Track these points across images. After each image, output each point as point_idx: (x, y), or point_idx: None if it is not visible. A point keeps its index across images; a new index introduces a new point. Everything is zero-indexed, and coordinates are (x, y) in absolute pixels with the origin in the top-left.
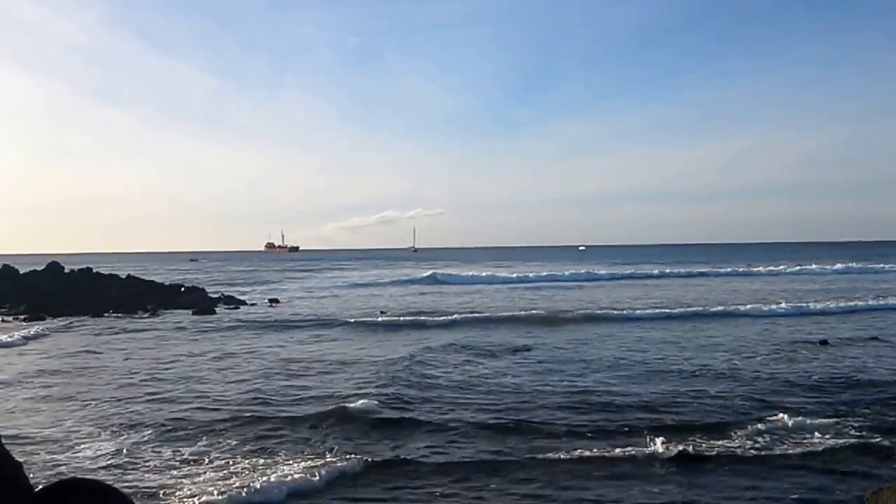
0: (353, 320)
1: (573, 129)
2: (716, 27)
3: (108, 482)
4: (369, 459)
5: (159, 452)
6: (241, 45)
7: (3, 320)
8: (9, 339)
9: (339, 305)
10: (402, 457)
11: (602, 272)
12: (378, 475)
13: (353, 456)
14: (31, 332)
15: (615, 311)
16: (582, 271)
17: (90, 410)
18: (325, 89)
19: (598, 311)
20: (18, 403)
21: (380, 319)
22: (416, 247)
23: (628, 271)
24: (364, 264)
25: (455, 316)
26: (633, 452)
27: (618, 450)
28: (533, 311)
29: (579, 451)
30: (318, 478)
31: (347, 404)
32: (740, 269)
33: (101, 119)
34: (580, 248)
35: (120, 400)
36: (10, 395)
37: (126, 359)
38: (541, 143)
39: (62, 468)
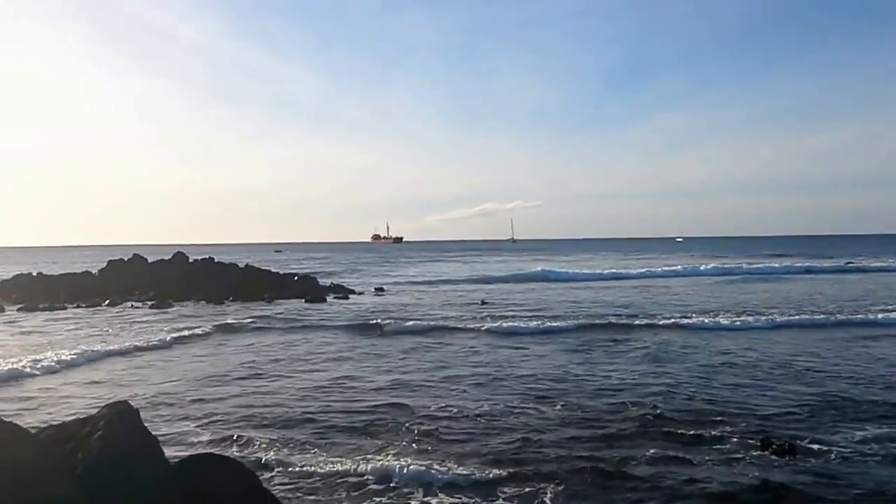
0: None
1: (672, 121)
2: (817, 18)
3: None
4: None
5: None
6: (352, 47)
7: (132, 306)
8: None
9: (446, 296)
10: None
11: (731, 266)
12: None
13: None
14: (179, 333)
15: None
16: (707, 266)
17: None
18: (429, 87)
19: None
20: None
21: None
22: (515, 238)
23: (762, 266)
24: (465, 255)
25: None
26: None
27: None
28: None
29: None
30: None
31: None
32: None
33: (219, 118)
34: (678, 239)
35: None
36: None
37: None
38: (638, 135)
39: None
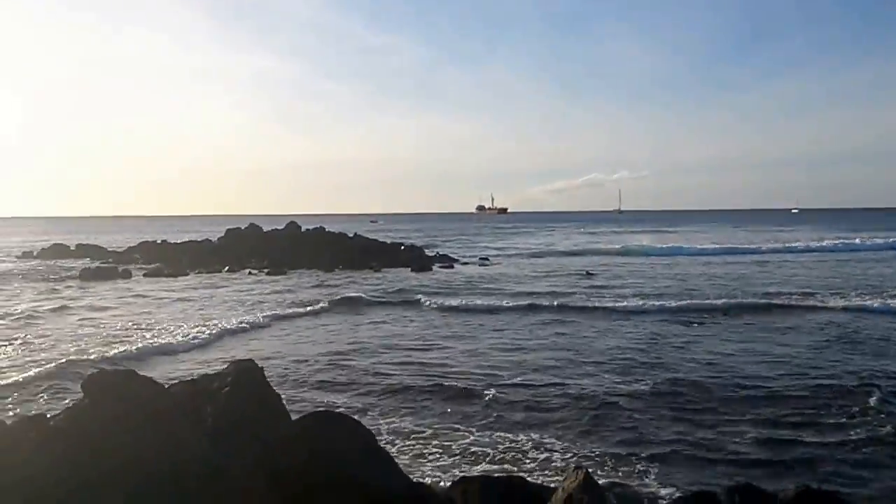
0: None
1: (787, 88)
2: None
3: None
4: None
5: None
6: (456, 18)
7: (249, 273)
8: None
9: (550, 267)
10: None
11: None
12: None
13: None
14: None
15: None
16: (832, 241)
17: None
18: (533, 56)
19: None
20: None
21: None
22: (621, 209)
23: None
24: (569, 226)
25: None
26: None
27: None
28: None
29: None
30: None
31: None
32: None
33: (327, 91)
34: (793, 210)
35: None
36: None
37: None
38: (753, 102)
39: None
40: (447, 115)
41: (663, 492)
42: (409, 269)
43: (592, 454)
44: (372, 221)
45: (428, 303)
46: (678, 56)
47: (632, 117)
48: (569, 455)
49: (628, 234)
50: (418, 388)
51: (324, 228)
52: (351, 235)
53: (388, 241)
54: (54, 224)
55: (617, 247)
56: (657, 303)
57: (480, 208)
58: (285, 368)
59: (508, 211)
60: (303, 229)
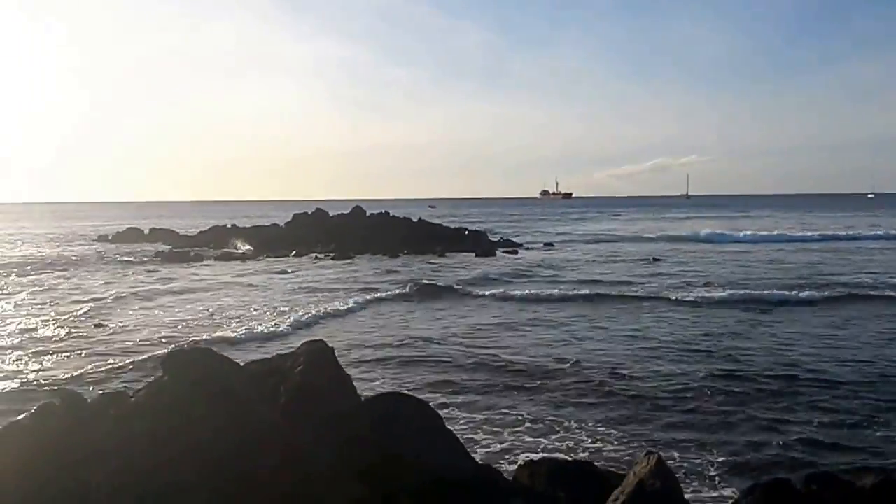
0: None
1: (861, 69)
2: None
3: None
4: None
5: None
6: (521, 1)
7: (315, 257)
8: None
9: (615, 253)
10: None
11: None
12: None
13: None
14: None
15: None
16: None
17: None
18: (601, 38)
19: None
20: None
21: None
22: (689, 194)
23: None
24: (635, 211)
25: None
26: None
27: None
28: None
29: None
30: None
31: None
32: None
33: (392, 76)
34: (869, 195)
35: None
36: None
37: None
38: (826, 83)
39: None
40: (511, 100)
41: (735, 480)
42: (474, 253)
43: (657, 442)
44: (430, 206)
45: (491, 292)
46: (748, 37)
47: (701, 100)
48: (632, 442)
49: (696, 220)
50: (484, 374)
51: (388, 213)
52: (414, 220)
53: (453, 226)
54: (124, 209)
55: (684, 233)
56: (725, 292)
57: (544, 193)
58: (359, 352)
59: (573, 196)
60: (367, 214)
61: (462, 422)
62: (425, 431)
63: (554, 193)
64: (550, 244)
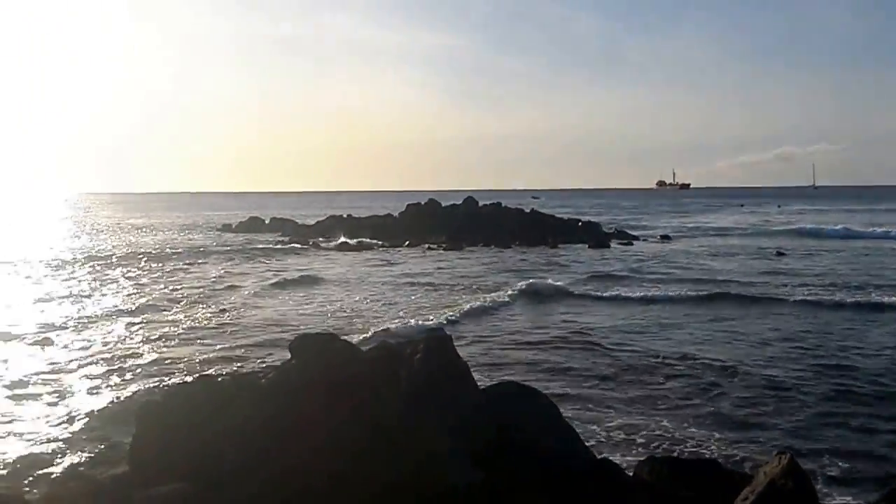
0: None
1: None
2: None
3: None
4: None
5: None
6: None
7: (428, 247)
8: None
9: (735, 247)
10: None
11: None
12: None
13: None
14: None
15: None
16: None
17: None
18: (719, 22)
19: None
20: None
21: None
22: (816, 184)
23: None
24: (758, 203)
25: None
26: None
27: None
28: None
29: None
30: None
31: None
32: None
33: (502, 65)
34: None
35: None
36: None
37: None
38: None
39: None
40: (627, 88)
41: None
42: (587, 245)
43: (775, 445)
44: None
45: (609, 293)
46: (885, 14)
47: (830, 85)
48: (748, 444)
49: (825, 213)
50: (600, 369)
51: (500, 204)
52: (527, 211)
53: (565, 217)
54: (241, 199)
55: (810, 226)
56: (854, 295)
57: (660, 184)
58: (487, 347)
59: (691, 186)
60: (479, 204)
61: (578, 414)
62: (542, 420)
63: (670, 184)
64: (667, 236)
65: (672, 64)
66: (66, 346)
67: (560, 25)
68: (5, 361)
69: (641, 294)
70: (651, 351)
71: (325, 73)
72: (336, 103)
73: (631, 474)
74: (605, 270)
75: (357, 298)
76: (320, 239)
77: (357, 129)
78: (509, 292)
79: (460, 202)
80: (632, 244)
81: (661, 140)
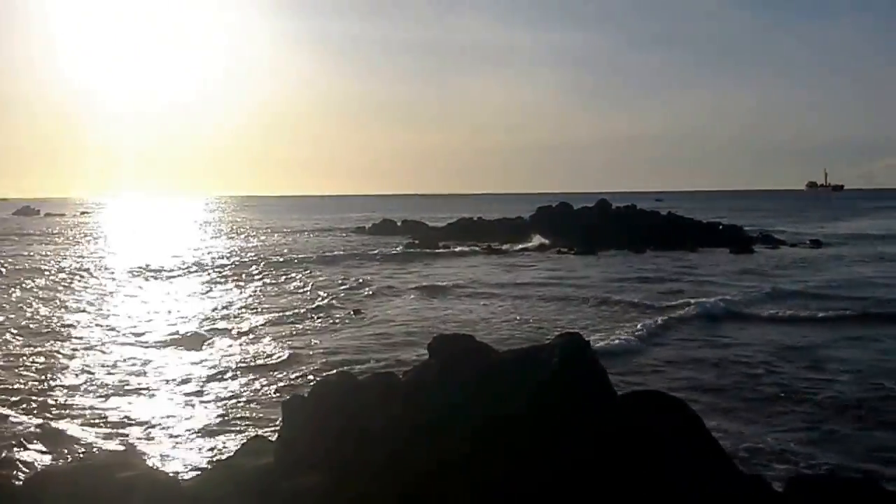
0: None
1: None
2: None
3: None
4: None
5: None
6: None
7: (559, 251)
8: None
9: None
10: None
11: None
12: None
13: None
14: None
15: None
16: None
17: None
18: (877, 7)
19: None
20: None
21: None
22: None
23: None
24: None
25: None
26: None
27: None
28: None
29: None
30: None
31: None
32: None
33: (634, 62)
34: None
35: None
36: None
37: None
38: None
39: None
40: (768, 83)
41: None
42: (728, 250)
43: None
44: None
45: (752, 311)
46: None
47: None
48: None
49: None
50: (743, 389)
51: (634, 206)
52: (663, 213)
53: (704, 220)
54: (367, 201)
55: None
56: None
57: (811, 185)
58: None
59: (845, 188)
60: (612, 207)
61: (729, 433)
62: (685, 433)
63: (822, 185)
64: (818, 242)
65: (823, 55)
66: (219, 348)
67: (698, 18)
68: (165, 361)
69: (785, 313)
70: (798, 373)
71: (452, 75)
72: (463, 105)
73: (780, 492)
74: (787, 289)
75: (509, 307)
76: (453, 243)
77: (485, 131)
78: (679, 313)
79: (591, 205)
80: (778, 248)
81: (810, 139)
